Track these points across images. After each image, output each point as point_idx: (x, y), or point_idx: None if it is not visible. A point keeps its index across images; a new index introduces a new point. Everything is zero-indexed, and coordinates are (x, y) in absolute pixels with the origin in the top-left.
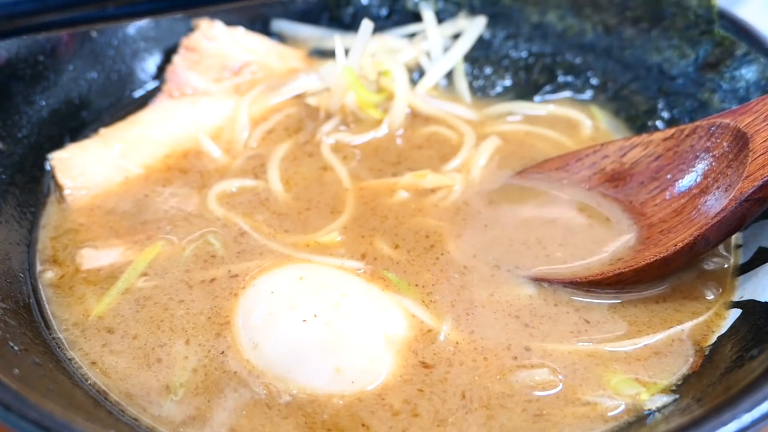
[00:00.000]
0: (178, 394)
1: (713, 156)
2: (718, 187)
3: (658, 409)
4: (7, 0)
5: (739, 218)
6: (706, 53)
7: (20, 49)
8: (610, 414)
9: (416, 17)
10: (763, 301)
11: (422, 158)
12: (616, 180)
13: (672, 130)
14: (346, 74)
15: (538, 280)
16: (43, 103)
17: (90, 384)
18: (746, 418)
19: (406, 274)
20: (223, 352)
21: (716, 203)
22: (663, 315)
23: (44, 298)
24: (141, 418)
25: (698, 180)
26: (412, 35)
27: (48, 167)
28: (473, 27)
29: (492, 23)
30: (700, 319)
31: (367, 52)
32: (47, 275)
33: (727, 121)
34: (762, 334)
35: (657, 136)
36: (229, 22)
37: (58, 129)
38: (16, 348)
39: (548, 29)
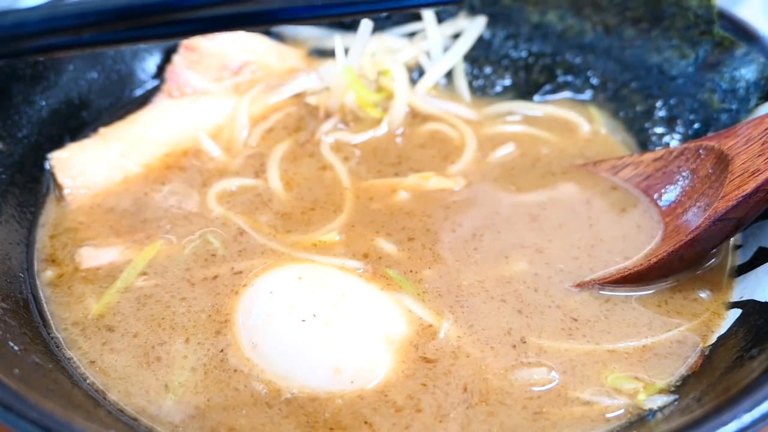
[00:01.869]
0: (177, 394)
1: (698, 177)
2: (698, 207)
3: (658, 409)
4: (11, 21)
5: (713, 237)
6: (705, 53)
7: None
8: (609, 414)
9: (416, 17)
10: (763, 301)
11: (422, 157)
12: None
13: (662, 152)
14: (345, 73)
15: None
16: (43, 103)
17: (89, 383)
18: (746, 418)
19: (406, 273)
20: (222, 351)
21: (693, 221)
22: (662, 315)
23: (43, 297)
24: (140, 417)
25: (682, 200)
26: (411, 35)
27: (48, 167)
28: (473, 27)
29: (492, 23)
30: (700, 319)
31: (367, 52)
32: (46, 274)
33: (712, 143)
34: (762, 334)
35: (647, 156)
36: None
37: (58, 129)
38: (16, 348)
39: (548, 29)
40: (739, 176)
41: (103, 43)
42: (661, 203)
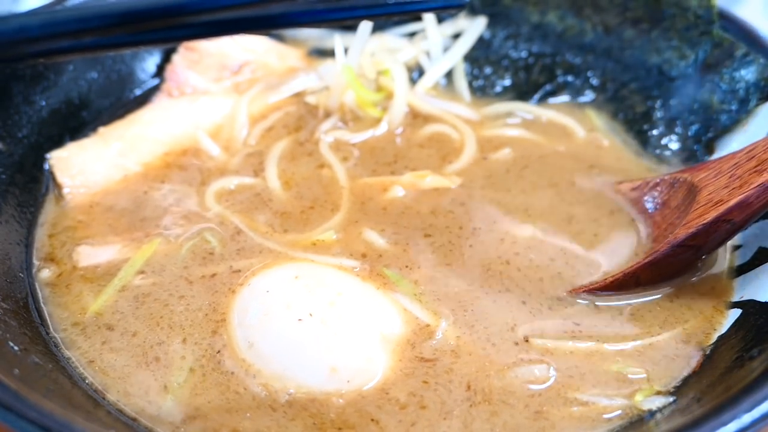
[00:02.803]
0: (176, 395)
1: (669, 207)
2: (664, 236)
3: (657, 410)
4: (12, 26)
5: (671, 262)
6: (705, 54)
7: None
8: (609, 415)
9: (416, 17)
10: (763, 301)
11: (421, 157)
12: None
13: (638, 182)
14: (345, 73)
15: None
16: (43, 103)
17: (88, 383)
18: (746, 418)
19: (402, 271)
20: (219, 351)
21: (653, 247)
22: (662, 316)
23: (41, 297)
24: (139, 417)
25: (652, 228)
26: (411, 34)
27: (47, 166)
28: (473, 27)
29: (492, 23)
30: (700, 319)
31: (367, 51)
32: (45, 273)
33: (685, 176)
34: (762, 334)
35: (625, 186)
36: None
37: (57, 129)
38: (16, 348)
39: (548, 29)
40: (703, 206)
41: (104, 47)
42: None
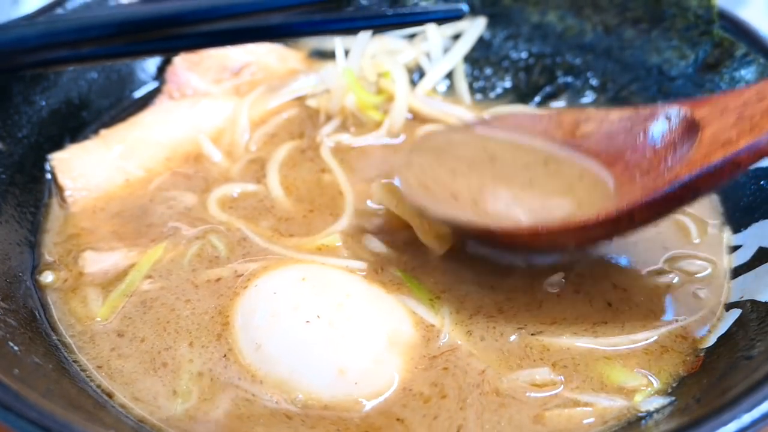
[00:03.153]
0: (186, 399)
1: (663, 142)
2: (658, 172)
3: (657, 410)
4: (11, 36)
5: (668, 203)
6: (705, 54)
7: None
8: (609, 415)
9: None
10: (763, 301)
11: None
12: (563, 150)
13: (629, 111)
14: (346, 76)
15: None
16: (43, 103)
17: (94, 386)
18: (746, 418)
19: (409, 273)
20: (225, 356)
21: (650, 185)
22: (662, 316)
23: (48, 301)
24: (147, 421)
25: (643, 163)
26: (411, 36)
27: (48, 168)
28: (473, 28)
29: (492, 24)
30: (700, 319)
31: (367, 54)
32: (51, 279)
33: (685, 109)
34: (762, 335)
35: (614, 114)
36: None
37: (58, 129)
38: (16, 348)
39: (548, 30)
40: (708, 145)
41: (102, 57)
42: (619, 164)
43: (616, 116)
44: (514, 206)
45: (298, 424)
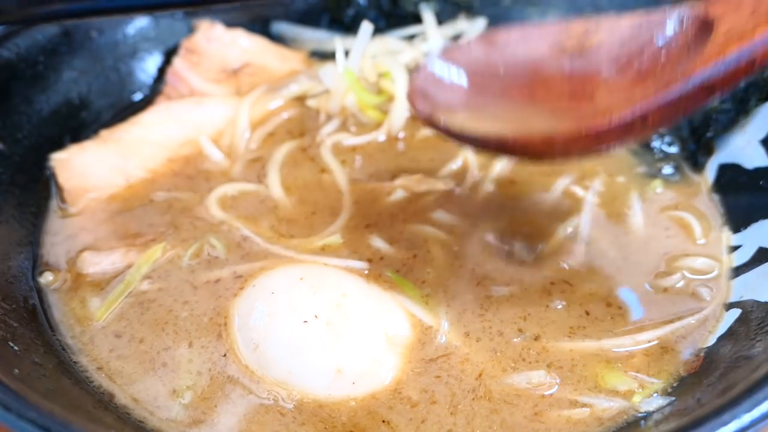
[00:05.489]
0: (185, 399)
1: (677, 44)
2: (672, 72)
3: (656, 410)
4: None
5: (682, 103)
6: None
7: (20, 49)
8: (608, 415)
9: (416, 19)
10: (763, 301)
11: (423, 159)
12: (574, 58)
13: (640, 17)
14: (346, 76)
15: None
16: (43, 103)
17: (94, 386)
18: (746, 418)
19: (406, 274)
20: (225, 355)
21: (663, 85)
22: (662, 316)
23: (47, 302)
24: (148, 420)
25: (655, 67)
26: (412, 37)
27: (48, 168)
28: (473, 28)
29: (492, 24)
30: (700, 319)
31: (367, 54)
32: (49, 278)
33: (697, 8)
34: (762, 334)
35: (625, 21)
36: (230, 24)
37: (58, 129)
38: (16, 348)
39: None
40: (722, 41)
41: (123, 9)
42: (633, 70)
43: (627, 22)
44: (527, 115)
45: (290, 421)
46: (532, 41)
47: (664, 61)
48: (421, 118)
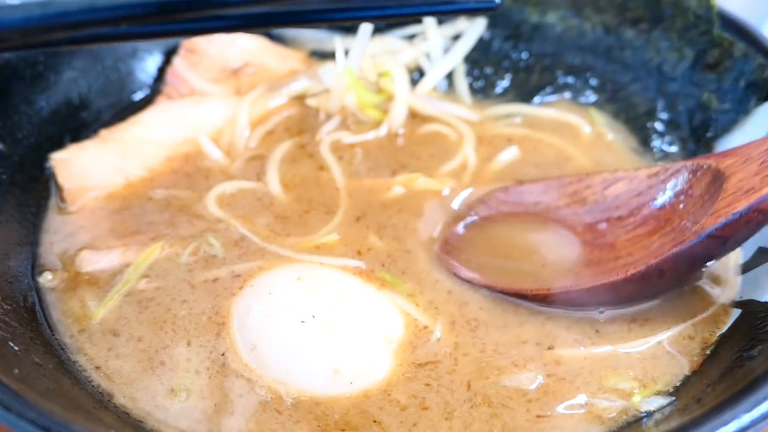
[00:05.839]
0: (183, 398)
1: (692, 196)
2: (686, 224)
3: (657, 410)
4: (52, 11)
5: (698, 255)
6: (705, 54)
7: None
8: (608, 415)
9: (416, 19)
10: (763, 300)
11: (422, 159)
12: (593, 211)
13: (657, 168)
14: (346, 75)
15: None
16: (43, 103)
17: (93, 386)
18: (746, 418)
19: (403, 274)
20: (223, 354)
21: (678, 237)
22: (662, 316)
23: (46, 301)
24: (146, 421)
25: (672, 217)
26: (411, 36)
27: (48, 168)
28: (473, 28)
29: (492, 24)
30: (699, 319)
31: (367, 54)
32: (48, 277)
33: (710, 162)
34: (762, 334)
35: (642, 172)
36: None
37: (58, 129)
38: (16, 348)
39: (548, 30)
40: (732, 194)
41: (138, 35)
42: (651, 221)
43: (644, 173)
44: (545, 270)
45: (286, 418)
46: (551, 192)
47: (680, 211)
48: (452, 269)
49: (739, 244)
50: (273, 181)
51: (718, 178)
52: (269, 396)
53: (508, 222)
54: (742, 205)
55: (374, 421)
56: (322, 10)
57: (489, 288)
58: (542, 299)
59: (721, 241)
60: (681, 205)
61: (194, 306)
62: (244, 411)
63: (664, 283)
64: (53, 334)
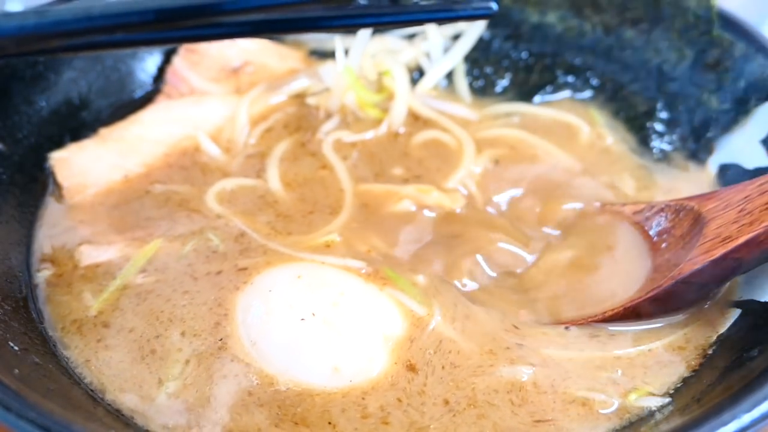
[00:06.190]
0: (169, 387)
1: (673, 236)
2: (666, 267)
3: (656, 410)
4: (48, 20)
5: (674, 298)
6: (705, 54)
7: None
8: (605, 412)
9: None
10: (763, 301)
11: (422, 158)
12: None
13: (642, 205)
14: (346, 74)
15: None
16: (43, 103)
17: (87, 382)
18: (746, 418)
19: (403, 273)
20: (221, 339)
21: (657, 280)
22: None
23: (42, 296)
24: (136, 410)
25: (653, 257)
26: (412, 36)
27: (48, 168)
28: (473, 28)
29: (492, 24)
30: (699, 319)
31: (367, 53)
32: (45, 273)
33: (692, 204)
34: (762, 334)
35: (627, 208)
36: None
37: (58, 129)
38: (16, 348)
39: (548, 30)
40: (710, 240)
41: (135, 43)
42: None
43: (630, 210)
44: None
45: (253, 401)
46: None
47: (662, 250)
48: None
49: (720, 285)
50: (273, 179)
51: (698, 222)
52: (256, 382)
53: None
54: (717, 253)
55: (329, 423)
56: (320, 17)
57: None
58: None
59: (697, 285)
60: (663, 244)
61: (196, 296)
62: (221, 394)
63: (638, 319)
64: (52, 332)
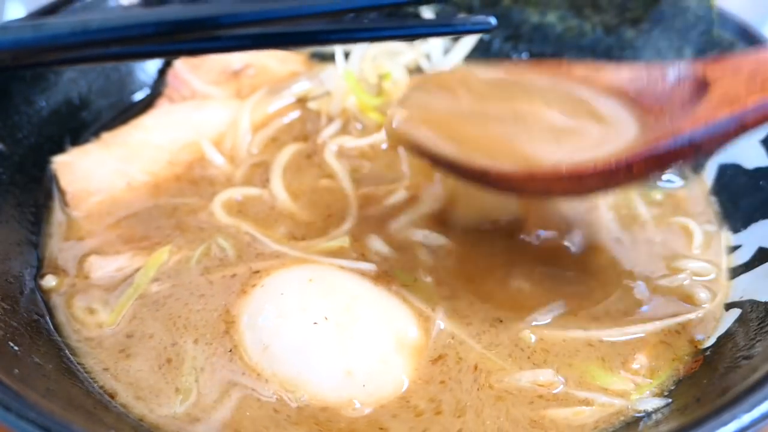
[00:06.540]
0: (186, 396)
1: (672, 98)
2: (662, 126)
3: (656, 410)
4: (44, 33)
5: (668, 158)
6: (705, 54)
7: None
8: (606, 415)
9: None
10: (763, 301)
11: (423, 161)
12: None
13: (641, 68)
14: (346, 78)
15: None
16: (43, 103)
17: (98, 386)
18: (746, 418)
19: (411, 273)
20: (230, 351)
21: (652, 138)
22: (661, 316)
23: (50, 305)
24: (147, 417)
25: (647, 118)
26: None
27: (48, 169)
28: None
29: None
30: (700, 320)
31: (368, 56)
32: (54, 283)
33: (696, 68)
34: (762, 334)
35: (625, 72)
36: None
37: (58, 130)
38: (16, 348)
39: (548, 30)
40: (715, 103)
41: (131, 56)
42: (626, 118)
43: (627, 73)
44: (512, 147)
45: (282, 418)
46: (528, 77)
47: (657, 112)
48: (402, 136)
49: (713, 152)
50: (278, 187)
51: (703, 85)
52: (275, 397)
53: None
54: (723, 114)
55: (380, 429)
56: (318, 31)
57: (455, 167)
58: (503, 183)
59: (695, 148)
60: (660, 106)
61: (210, 301)
62: (241, 407)
63: (631, 179)
64: (57, 336)
